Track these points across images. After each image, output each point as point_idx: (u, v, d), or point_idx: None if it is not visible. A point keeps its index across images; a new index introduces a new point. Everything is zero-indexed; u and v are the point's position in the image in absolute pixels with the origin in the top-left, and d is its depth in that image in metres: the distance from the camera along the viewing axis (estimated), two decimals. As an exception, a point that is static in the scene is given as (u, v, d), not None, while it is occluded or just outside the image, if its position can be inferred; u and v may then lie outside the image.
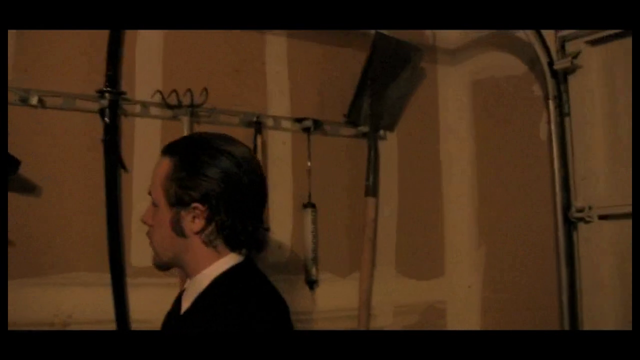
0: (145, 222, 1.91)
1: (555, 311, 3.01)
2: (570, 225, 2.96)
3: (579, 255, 2.95)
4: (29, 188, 2.42)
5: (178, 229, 1.80)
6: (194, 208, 1.77)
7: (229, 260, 1.83)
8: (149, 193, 1.88)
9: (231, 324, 1.68)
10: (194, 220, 1.78)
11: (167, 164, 1.82)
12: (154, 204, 1.86)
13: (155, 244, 1.89)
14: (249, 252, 1.88)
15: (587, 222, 2.92)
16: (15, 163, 2.27)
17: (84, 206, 2.51)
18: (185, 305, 1.85)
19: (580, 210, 2.91)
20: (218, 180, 1.76)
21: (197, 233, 1.79)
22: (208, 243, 1.80)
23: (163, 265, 1.92)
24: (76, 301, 2.42)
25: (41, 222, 2.45)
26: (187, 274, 1.88)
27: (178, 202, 1.78)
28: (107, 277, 2.49)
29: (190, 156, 1.81)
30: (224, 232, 1.79)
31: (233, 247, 1.83)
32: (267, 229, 1.98)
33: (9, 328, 2.27)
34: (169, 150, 1.86)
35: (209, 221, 1.78)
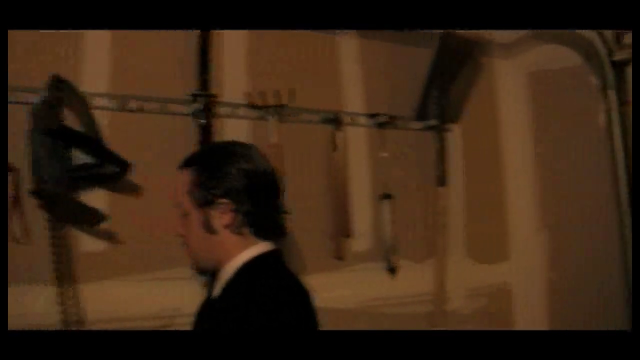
0: (179, 234, 1.93)
1: (620, 291, 2.95)
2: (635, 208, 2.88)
3: (644, 237, 2.88)
4: (132, 189, 2.38)
5: (208, 227, 1.84)
6: (220, 203, 1.82)
7: (256, 249, 1.86)
8: (176, 206, 1.91)
9: (256, 309, 1.70)
10: (222, 216, 1.83)
11: (188, 174, 1.88)
12: (183, 214, 1.89)
13: (191, 250, 1.93)
14: (275, 242, 1.91)
15: (651, 203, 2.85)
16: (125, 165, 2.23)
17: (182, 204, 2.44)
18: (216, 292, 1.89)
19: (645, 192, 2.84)
20: (237, 175, 1.82)
21: (226, 227, 1.83)
22: (236, 232, 1.84)
23: (201, 270, 2.00)
24: (181, 295, 2.38)
25: (145, 220, 2.41)
26: (220, 266, 1.90)
27: (205, 202, 1.83)
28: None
29: (208, 161, 1.89)
30: (250, 221, 1.84)
31: (260, 235, 1.87)
32: (287, 212, 1.99)
33: (122, 321, 2.25)
34: (187, 162, 1.93)
35: (235, 213, 1.82)
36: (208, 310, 1.98)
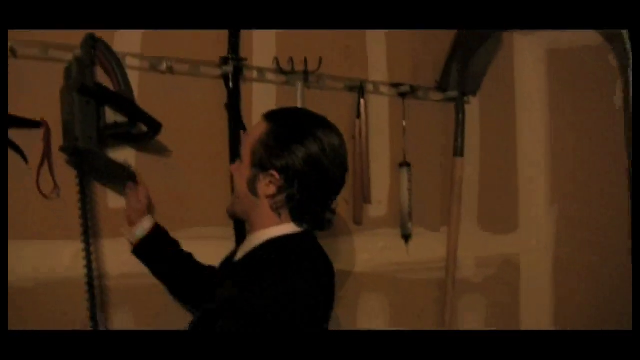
0: (232, 172, 1.95)
1: (627, 268, 2.90)
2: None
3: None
4: (160, 150, 2.33)
5: (252, 188, 1.81)
6: (272, 175, 1.76)
7: (288, 228, 1.83)
8: (241, 147, 1.89)
9: (274, 282, 1.68)
10: (268, 185, 1.78)
11: (262, 128, 1.82)
12: (241, 159, 1.85)
13: (234, 193, 1.92)
14: (311, 228, 1.86)
15: (662, 182, 2.79)
16: (157, 126, 2.18)
17: (209, 165, 2.43)
18: (240, 255, 1.89)
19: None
20: (300, 159, 1.74)
21: (267, 197, 1.79)
22: (274, 209, 1.80)
23: (233, 214, 1.97)
24: (203, 253, 2.32)
25: (171, 180, 2.37)
26: (249, 228, 1.91)
27: (259, 165, 1.78)
28: (230, 231, 2.40)
29: (284, 128, 1.80)
30: (290, 205, 1.79)
31: (295, 220, 1.82)
32: (334, 213, 1.93)
33: (146, 277, 2.26)
34: (269, 116, 1.86)
35: (280, 190, 1.77)
36: (229, 270, 1.96)
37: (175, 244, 2.27)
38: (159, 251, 2.23)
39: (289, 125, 1.82)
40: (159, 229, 2.23)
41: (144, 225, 2.19)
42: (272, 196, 1.79)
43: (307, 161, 1.74)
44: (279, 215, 1.82)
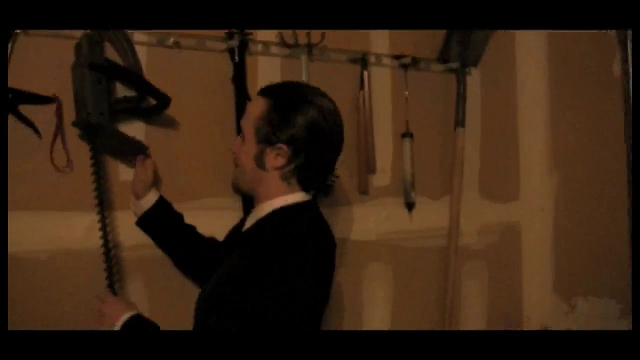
0: (232, 151, 1.99)
1: (624, 232, 2.96)
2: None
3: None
4: (169, 123, 2.38)
5: (260, 163, 1.87)
6: (279, 148, 1.82)
7: (295, 197, 1.89)
8: (242, 127, 1.94)
9: (281, 250, 1.75)
10: (276, 158, 1.85)
11: (262, 104, 1.88)
12: (242, 138, 1.91)
13: (237, 171, 1.99)
14: (315, 194, 1.96)
15: (660, 148, 2.84)
16: (166, 100, 2.23)
17: (216, 137, 2.48)
18: (248, 224, 1.96)
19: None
20: (304, 127, 1.81)
21: (276, 169, 1.85)
22: (284, 179, 1.87)
23: (238, 188, 2.05)
24: (213, 224, 2.38)
25: (180, 153, 2.42)
26: (256, 201, 1.97)
27: (266, 140, 1.84)
28: (236, 202, 2.45)
29: (283, 101, 1.86)
30: (299, 173, 1.86)
31: (304, 187, 1.90)
32: (337, 177, 2.13)
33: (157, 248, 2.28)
34: (266, 92, 1.93)
35: (289, 161, 1.84)
36: (237, 240, 2.02)
37: (179, 216, 2.34)
38: (162, 223, 2.31)
39: (287, 96, 1.88)
40: (163, 201, 2.30)
41: (150, 198, 2.26)
42: (281, 167, 1.87)
43: (309, 127, 1.82)
44: (288, 184, 1.90)
